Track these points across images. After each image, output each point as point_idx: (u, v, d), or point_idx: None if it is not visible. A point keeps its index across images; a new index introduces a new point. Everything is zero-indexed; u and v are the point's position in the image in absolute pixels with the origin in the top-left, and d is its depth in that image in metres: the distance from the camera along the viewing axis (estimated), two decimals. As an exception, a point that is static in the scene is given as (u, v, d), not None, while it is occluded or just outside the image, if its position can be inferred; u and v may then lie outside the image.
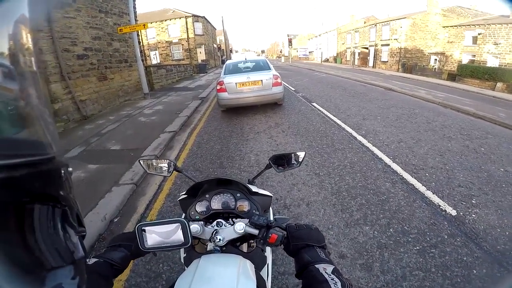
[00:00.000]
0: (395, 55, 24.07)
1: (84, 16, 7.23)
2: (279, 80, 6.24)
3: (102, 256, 0.72)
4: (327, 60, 39.25)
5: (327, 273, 0.61)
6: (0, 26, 0.30)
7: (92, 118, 6.82)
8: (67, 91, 6.32)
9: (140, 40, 11.36)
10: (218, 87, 6.16)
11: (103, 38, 8.12)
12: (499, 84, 13.74)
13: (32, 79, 0.34)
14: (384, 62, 25.78)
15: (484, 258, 1.98)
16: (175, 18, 26.05)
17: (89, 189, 3.13)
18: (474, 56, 18.31)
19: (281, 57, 58.95)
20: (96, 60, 7.68)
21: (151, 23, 24.25)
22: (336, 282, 0.57)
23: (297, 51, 58.28)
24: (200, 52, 28.01)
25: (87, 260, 0.67)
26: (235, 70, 6.75)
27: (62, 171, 0.37)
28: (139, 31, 9.14)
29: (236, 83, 6.03)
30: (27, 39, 0.33)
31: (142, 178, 3.43)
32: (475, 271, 1.87)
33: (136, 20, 9.07)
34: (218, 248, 0.84)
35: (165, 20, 26.13)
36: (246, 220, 0.86)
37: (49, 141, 0.35)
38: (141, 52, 10.04)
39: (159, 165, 1.25)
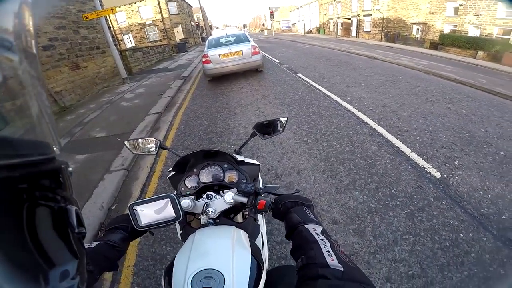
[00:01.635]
0: (377, 25, 23.84)
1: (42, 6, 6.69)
2: (257, 50, 7.02)
3: (103, 239, 0.73)
4: (310, 32, 38.42)
5: (316, 233, 0.62)
6: (7, 4, 0.29)
7: (71, 109, 6.58)
8: (39, 83, 6.00)
9: (110, 25, 10.69)
10: (203, 59, 6.82)
11: (68, 27, 7.68)
12: (480, 53, 14.04)
13: (32, 62, 0.33)
14: (367, 32, 25.55)
15: (470, 222, 2.00)
16: (145, 0, 24.45)
17: (81, 179, 3.07)
18: (455, 26, 18.40)
19: (264, 30, 57.09)
20: (65, 49, 7.34)
21: (120, 6, 22.73)
22: (325, 243, 0.58)
23: (279, 23, 56.57)
24: (178, 32, 26.79)
25: (89, 244, 0.68)
26: (218, 44, 7.27)
27: (62, 171, 0.36)
28: (108, 15, 8.55)
29: (219, 55, 6.70)
30: (29, 21, 0.32)
31: (133, 163, 3.40)
32: (462, 235, 1.90)
33: (101, 5, 8.49)
34: (212, 221, 0.86)
35: (135, 2, 24.50)
36: (235, 190, 0.87)
37: (49, 141, 0.34)
38: (112, 37, 9.53)
39: (145, 145, 1.22)
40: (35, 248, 0.29)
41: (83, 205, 2.59)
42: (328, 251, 0.54)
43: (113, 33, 11.28)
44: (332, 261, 0.51)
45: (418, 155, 2.93)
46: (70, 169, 0.39)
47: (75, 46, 7.83)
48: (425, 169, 2.68)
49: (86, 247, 0.66)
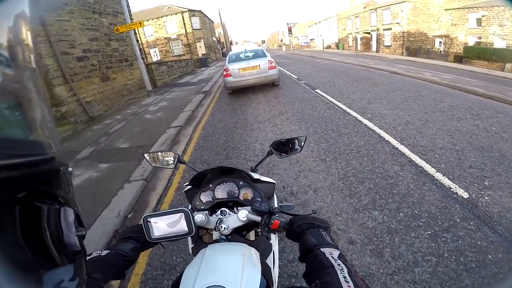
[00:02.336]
0: (398, 39, 23.57)
1: (78, 18, 7.23)
2: (273, 65, 7.50)
3: (114, 248, 0.74)
4: (329, 47, 38.60)
5: (333, 257, 0.60)
6: (1, 18, 0.29)
7: (99, 119, 6.94)
8: (72, 93, 6.42)
9: (138, 38, 11.33)
10: (224, 73, 7.42)
11: (101, 39, 8.16)
12: (508, 65, 13.41)
13: (32, 76, 0.33)
14: (388, 47, 25.27)
15: (500, 243, 1.89)
16: (171, 14, 26.03)
17: (102, 187, 3.22)
18: (479, 38, 17.87)
19: (282, 46, 58.08)
20: (97, 61, 7.76)
21: (147, 20, 24.30)
22: (342, 269, 0.55)
23: (297, 39, 57.41)
24: (200, 46, 27.97)
25: (100, 252, 0.70)
26: (237, 59, 7.79)
27: (62, 171, 0.37)
28: (136, 29, 9.11)
29: (239, 69, 7.27)
30: (26, 35, 0.32)
31: (151, 174, 3.50)
32: (490, 256, 1.79)
33: (131, 19, 9.06)
34: (224, 237, 0.86)
35: (161, 17, 26.13)
36: (249, 208, 0.87)
37: (49, 141, 0.34)
38: (140, 50, 10.02)
39: (164, 158, 1.25)
40: (34, 248, 0.29)
41: (101, 212, 2.69)
42: (345, 277, 0.52)
43: (141, 47, 11.92)
44: (348, 287, 0.50)
45: (443, 175, 2.78)
46: (70, 169, 0.39)
47: (106, 58, 8.27)
48: (451, 189, 2.55)
49: (96, 255, 0.68)
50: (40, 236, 0.31)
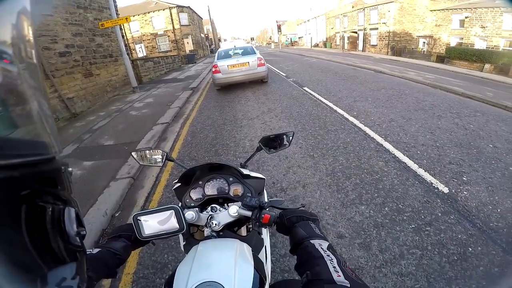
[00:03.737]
0: (384, 38, 24.11)
1: (62, 12, 6.98)
2: (262, 62, 7.54)
3: (105, 246, 0.73)
4: (316, 45, 38.97)
5: (322, 249, 0.61)
6: (4, 15, 0.29)
7: (82, 115, 6.70)
8: (53, 89, 6.19)
9: (124, 34, 11.00)
10: (213, 69, 7.41)
11: (85, 34, 7.89)
12: (487, 66, 14.04)
13: (33, 71, 0.33)
14: (374, 46, 25.82)
15: (478, 236, 1.99)
16: (158, 10, 25.49)
17: (87, 185, 3.12)
18: (461, 39, 18.55)
19: (270, 43, 58.13)
20: (80, 56, 7.50)
21: (134, 16, 23.70)
22: (332, 259, 0.56)
23: (286, 37, 57.56)
24: (188, 43, 27.53)
25: (91, 250, 0.69)
26: (227, 55, 7.81)
27: (62, 171, 0.37)
28: (122, 24, 8.84)
29: (227, 65, 7.26)
30: (28, 31, 0.32)
31: (138, 171, 3.42)
32: (470, 249, 1.89)
33: (117, 14, 8.80)
34: (215, 234, 0.86)
35: (148, 13, 25.54)
36: (240, 203, 0.87)
37: (49, 141, 0.34)
38: (125, 45, 9.75)
39: (152, 156, 1.23)
40: (34, 248, 0.29)
41: (87, 210, 2.61)
42: (334, 267, 0.54)
43: (126, 42, 11.60)
44: (338, 277, 0.51)
45: (425, 171, 2.90)
46: (70, 169, 0.39)
47: (89, 54, 8.01)
48: (433, 185, 2.66)
49: (88, 253, 0.66)
50: (43, 235, 0.31)
